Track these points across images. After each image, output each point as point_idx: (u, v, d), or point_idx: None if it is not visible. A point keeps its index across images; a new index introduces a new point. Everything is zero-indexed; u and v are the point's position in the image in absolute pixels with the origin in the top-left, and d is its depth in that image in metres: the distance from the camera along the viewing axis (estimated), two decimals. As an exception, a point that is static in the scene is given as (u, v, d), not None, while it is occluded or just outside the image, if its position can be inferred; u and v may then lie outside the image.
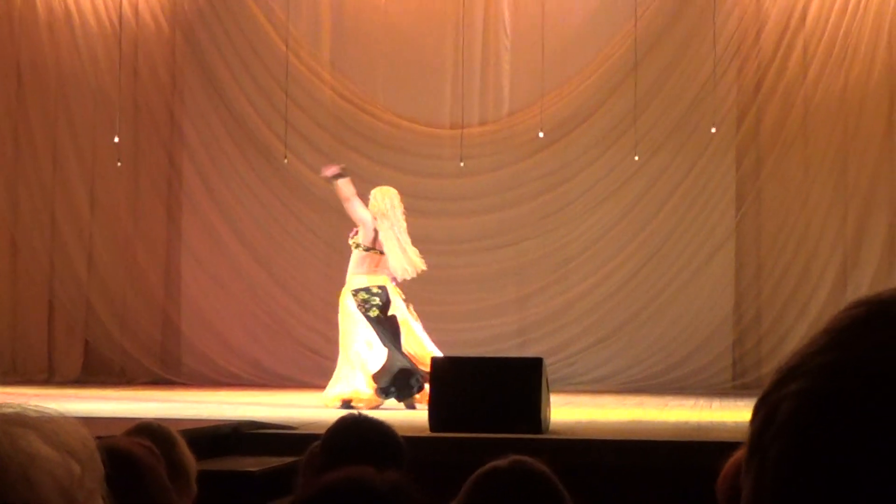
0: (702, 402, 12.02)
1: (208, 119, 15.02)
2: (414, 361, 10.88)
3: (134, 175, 15.03)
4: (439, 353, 10.69)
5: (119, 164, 14.46)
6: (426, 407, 8.75)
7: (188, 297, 15.00)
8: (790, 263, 14.12)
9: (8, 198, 15.06)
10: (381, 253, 11.26)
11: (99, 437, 1.21)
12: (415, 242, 14.62)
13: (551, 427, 8.47)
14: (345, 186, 11.40)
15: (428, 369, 10.35)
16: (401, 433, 3.81)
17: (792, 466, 0.87)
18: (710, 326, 14.20)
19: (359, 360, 10.89)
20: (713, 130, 13.85)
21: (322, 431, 3.81)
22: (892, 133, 14.01)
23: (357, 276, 11.28)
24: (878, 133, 13.98)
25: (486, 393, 8.36)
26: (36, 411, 1.12)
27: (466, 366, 9.12)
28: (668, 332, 14.25)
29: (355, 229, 11.38)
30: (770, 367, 13.58)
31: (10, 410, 1.11)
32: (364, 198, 11.40)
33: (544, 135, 14.06)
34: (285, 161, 14.46)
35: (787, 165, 14.14)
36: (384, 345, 10.92)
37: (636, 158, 14.06)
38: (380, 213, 11.23)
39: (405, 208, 14.29)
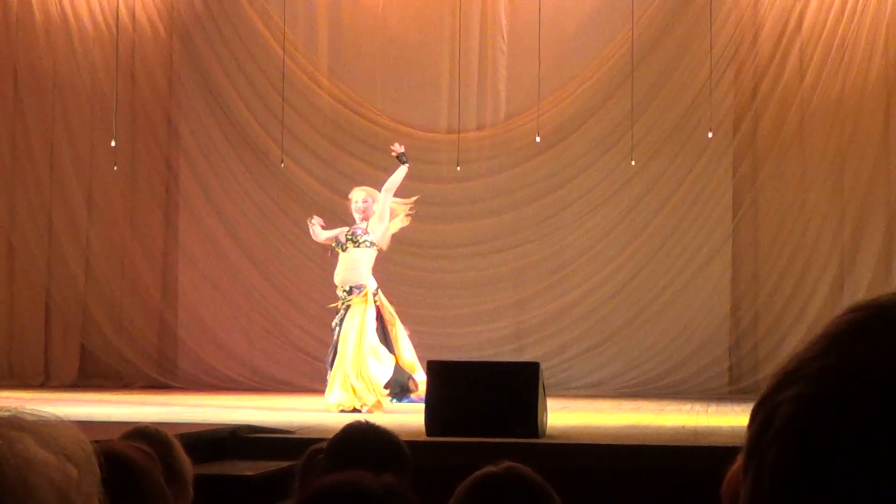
0: (698, 406, 12.02)
1: (205, 123, 15.02)
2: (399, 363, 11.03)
3: (131, 179, 15.03)
4: (411, 353, 10.81)
5: (116, 168, 14.45)
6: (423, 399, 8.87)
7: (185, 300, 15.00)
8: (787, 268, 14.13)
9: (5, 202, 15.05)
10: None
11: (95, 441, 1.21)
12: (411, 246, 14.66)
13: (548, 431, 8.47)
14: (401, 174, 11.44)
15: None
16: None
17: (790, 470, 0.87)
18: (707, 331, 14.20)
19: (367, 372, 10.91)
20: (710, 135, 13.86)
21: (319, 436, 3.82)
22: (889, 137, 14.02)
23: (371, 277, 11.33)
24: (874, 137, 13.99)
25: (483, 397, 8.36)
26: (32, 415, 1.12)
27: (463, 370, 9.12)
28: (664, 337, 14.25)
29: (358, 228, 11.33)
30: (767, 372, 13.59)
31: (7, 414, 1.11)
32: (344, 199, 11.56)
33: (541, 139, 14.06)
34: (282, 165, 14.46)
35: (783, 170, 14.15)
36: (389, 352, 11.00)
37: (633, 163, 14.06)
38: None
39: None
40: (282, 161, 14.41)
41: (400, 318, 11.66)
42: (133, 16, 14.88)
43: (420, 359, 11.33)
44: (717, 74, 14.16)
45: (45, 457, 1.07)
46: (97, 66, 14.95)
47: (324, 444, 4.42)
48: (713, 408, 11.75)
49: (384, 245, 11.44)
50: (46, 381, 14.76)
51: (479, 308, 14.59)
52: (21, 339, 15.05)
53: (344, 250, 11.28)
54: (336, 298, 11.32)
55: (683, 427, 9.53)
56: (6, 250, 15.13)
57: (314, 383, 12.12)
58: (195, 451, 4.07)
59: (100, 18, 14.97)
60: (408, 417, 9.51)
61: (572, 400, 12.53)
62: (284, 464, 6.68)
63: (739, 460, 3.14)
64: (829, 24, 14.07)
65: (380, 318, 11.21)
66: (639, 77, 14.13)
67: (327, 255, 11.59)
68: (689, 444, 7.92)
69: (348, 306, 11.15)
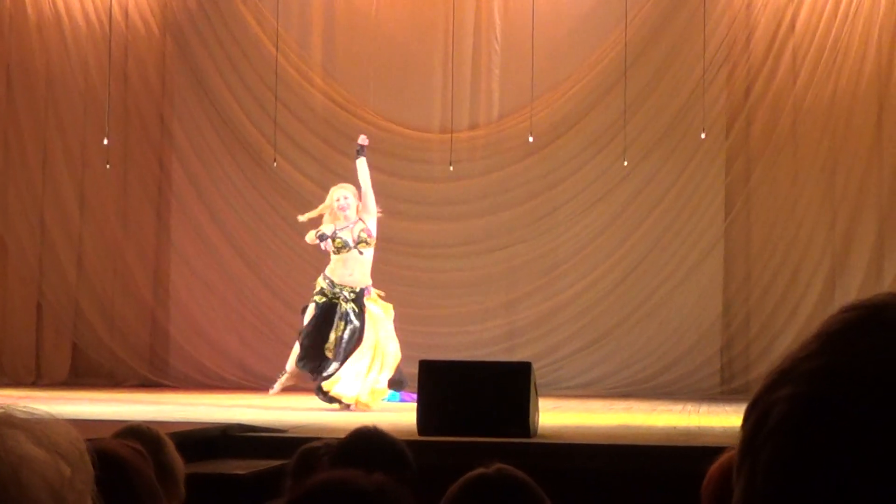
0: (690, 406, 12.02)
1: (198, 122, 15.01)
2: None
3: (123, 178, 15.02)
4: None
5: (108, 166, 14.44)
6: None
7: (177, 299, 14.99)
8: (779, 268, 14.15)
9: (-3, 200, 15.04)
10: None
11: (87, 440, 1.21)
12: (404, 246, 14.67)
13: (539, 431, 8.47)
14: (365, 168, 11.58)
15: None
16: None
17: (783, 470, 0.87)
18: (699, 331, 14.22)
19: (389, 359, 11.14)
20: (703, 136, 13.87)
21: (311, 435, 3.83)
22: (881, 139, 14.04)
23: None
24: (866, 139, 14.01)
25: (475, 397, 8.36)
26: (25, 412, 1.12)
27: (455, 369, 9.12)
28: (656, 337, 14.26)
29: (365, 228, 11.38)
30: (758, 373, 13.61)
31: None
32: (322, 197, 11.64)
33: (534, 139, 14.06)
34: (274, 164, 14.46)
35: (776, 171, 14.17)
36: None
37: (625, 163, 14.07)
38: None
39: (395, 212, 14.32)
40: (274, 160, 14.41)
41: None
42: (126, 14, 14.87)
43: (412, 358, 11.35)
44: (710, 75, 14.17)
45: (38, 454, 1.06)
46: (90, 65, 14.93)
47: (316, 444, 4.42)
48: (705, 408, 11.76)
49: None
50: (38, 379, 14.74)
51: (470, 308, 14.59)
52: (13, 338, 15.03)
53: (361, 253, 11.39)
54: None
55: (675, 427, 9.54)
56: (-2, 248, 15.12)
57: (305, 382, 12.10)
58: (187, 449, 4.07)
59: (93, 17, 14.95)
60: (399, 416, 9.51)
61: (564, 400, 12.54)
62: (276, 463, 6.67)
63: (718, 460, 3.15)
64: (821, 25, 14.08)
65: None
66: (632, 77, 14.13)
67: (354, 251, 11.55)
68: (680, 444, 7.92)
69: (352, 300, 11.27)
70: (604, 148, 14.48)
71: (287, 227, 14.68)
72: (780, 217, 14.14)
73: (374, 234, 11.44)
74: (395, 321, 11.54)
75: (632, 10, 14.11)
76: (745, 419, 0.92)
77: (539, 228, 14.65)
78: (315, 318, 11.33)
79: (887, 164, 14.01)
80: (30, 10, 14.97)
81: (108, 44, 14.60)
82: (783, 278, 14.11)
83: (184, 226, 15.00)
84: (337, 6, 14.88)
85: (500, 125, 14.69)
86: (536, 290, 14.60)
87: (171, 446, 3.54)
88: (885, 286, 13.56)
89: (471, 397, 8.35)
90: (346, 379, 11.12)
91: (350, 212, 11.39)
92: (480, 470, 2.69)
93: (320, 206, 11.61)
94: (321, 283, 11.49)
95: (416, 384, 9.00)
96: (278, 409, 10.79)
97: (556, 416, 9.95)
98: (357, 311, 11.29)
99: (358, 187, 11.60)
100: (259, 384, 14.26)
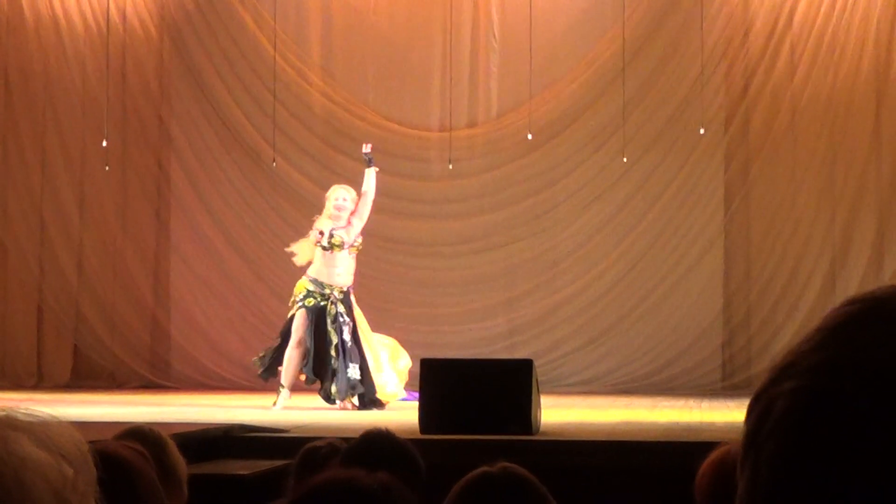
0: (692, 402, 12.02)
1: (197, 122, 15.00)
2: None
3: (122, 179, 15.01)
4: None
5: (107, 168, 14.44)
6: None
7: (177, 300, 14.99)
8: (779, 264, 14.15)
9: (-4, 202, 15.04)
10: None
11: (89, 442, 1.21)
12: (403, 244, 14.67)
13: (541, 428, 8.47)
14: (372, 178, 11.55)
15: None
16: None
17: (787, 464, 0.87)
18: (700, 327, 14.21)
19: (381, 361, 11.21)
20: (702, 132, 13.87)
21: (313, 434, 3.84)
22: (879, 132, 14.04)
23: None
24: (865, 133, 14.01)
25: (477, 395, 8.36)
26: (27, 414, 1.12)
27: (456, 368, 9.13)
28: (657, 333, 14.26)
29: (343, 229, 11.36)
30: (759, 368, 13.61)
31: (1, 414, 1.11)
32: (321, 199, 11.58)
33: (533, 137, 14.06)
34: (273, 164, 14.46)
35: (775, 166, 14.16)
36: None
37: (625, 160, 14.07)
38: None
39: (395, 211, 14.31)
40: (273, 160, 14.41)
41: (390, 315, 11.69)
42: (124, 16, 14.86)
43: (413, 357, 11.37)
44: (708, 72, 14.17)
45: (40, 456, 1.06)
46: (88, 67, 14.92)
47: (319, 443, 4.42)
48: (706, 403, 11.76)
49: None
50: (39, 382, 14.74)
51: (471, 306, 14.59)
52: (13, 340, 15.03)
53: (350, 254, 11.38)
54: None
55: (677, 423, 9.54)
56: (-2, 251, 15.12)
57: (309, 386, 12.10)
58: (189, 450, 4.07)
59: (90, 19, 14.94)
60: (402, 415, 9.51)
61: (566, 397, 12.53)
62: (279, 463, 6.68)
63: (710, 456, 3.14)
64: (819, 20, 14.08)
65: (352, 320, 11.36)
66: (630, 74, 14.13)
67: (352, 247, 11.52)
68: (682, 439, 7.92)
69: (337, 301, 11.22)
70: (603, 145, 14.48)
71: (286, 227, 14.67)
72: (779, 212, 14.14)
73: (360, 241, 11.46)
74: (395, 319, 11.57)
75: (629, 7, 14.11)
76: (748, 414, 0.91)
77: (539, 226, 14.65)
78: (310, 322, 11.23)
79: (886, 158, 14.01)
80: (27, 12, 14.97)
81: (106, 46, 14.59)
82: (783, 273, 14.11)
83: (183, 227, 15.00)
84: (334, 5, 14.87)
85: (499, 123, 14.69)
86: (537, 287, 14.59)
87: (173, 447, 3.54)
88: (885, 280, 13.55)
89: (473, 395, 8.36)
90: (388, 376, 11.19)
91: (345, 213, 11.38)
92: (484, 468, 2.69)
93: (311, 235, 11.54)
94: (306, 285, 11.35)
95: (417, 383, 9.00)
96: (280, 409, 10.79)
97: (557, 412, 9.94)
98: (346, 310, 11.25)
99: (359, 192, 11.57)
100: (260, 384, 14.25)
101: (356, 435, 3.95)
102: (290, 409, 10.88)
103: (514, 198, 14.68)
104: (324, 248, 11.30)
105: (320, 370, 11.14)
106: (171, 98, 15.07)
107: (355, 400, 10.99)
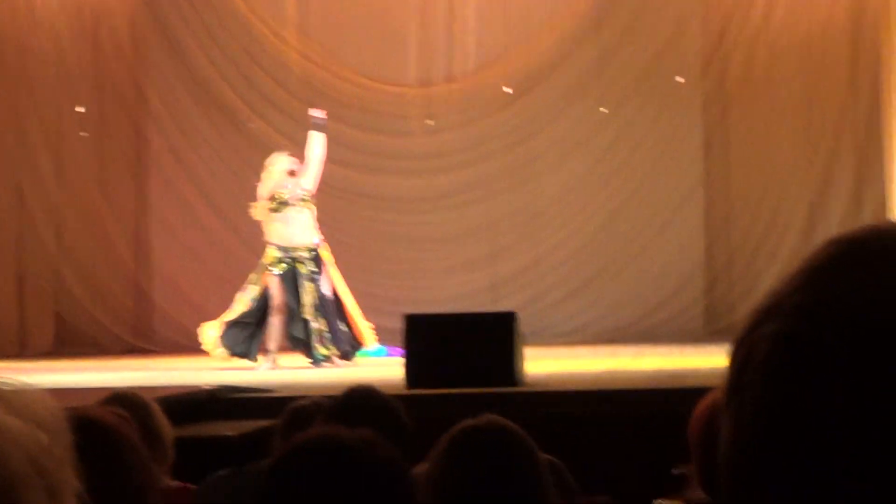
0: (675, 349, 12.07)
1: (173, 86, 14.91)
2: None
3: (100, 144, 14.92)
4: None
5: (84, 134, 14.35)
6: None
7: (159, 265, 14.94)
8: (759, 208, 14.18)
9: (-28, 171, 14.93)
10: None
11: (72, 408, 1.20)
12: (384, 201, 14.64)
13: (527, 380, 8.50)
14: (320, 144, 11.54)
15: None
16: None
17: (769, 407, 0.86)
18: (682, 274, 14.25)
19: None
20: (679, 80, 13.84)
21: (299, 393, 3.83)
22: (856, 76, 14.04)
23: None
24: (841, 77, 14.01)
25: (461, 348, 8.39)
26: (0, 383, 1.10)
27: (440, 322, 9.15)
28: (640, 282, 14.29)
29: (298, 186, 11.36)
30: (742, 313, 13.63)
31: (-25, 383, 1.09)
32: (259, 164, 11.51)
33: (511, 90, 14.02)
34: (252, 126, 14.39)
35: (753, 112, 14.16)
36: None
37: (603, 110, 14.05)
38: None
39: (375, 167, 14.25)
40: (252, 121, 14.33)
41: (373, 272, 11.65)
42: (94, -21, 14.72)
43: (395, 313, 11.35)
44: (685, 19, 14.12)
45: (14, 424, 1.05)
46: (60, 31, 14.79)
47: (304, 402, 4.42)
48: (690, 349, 11.81)
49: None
50: (22, 350, 14.69)
51: (453, 261, 14.59)
52: (-5, 309, 14.97)
53: (301, 209, 11.28)
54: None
55: (661, 370, 9.58)
56: (-24, 220, 15.03)
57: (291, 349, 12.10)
58: (175, 412, 4.07)
59: (61, -17, 14.80)
60: (387, 370, 9.53)
61: (550, 348, 12.55)
62: (265, 423, 6.68)
63: (704, 400, 3.15)
64: (794, -38, 14.04)
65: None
66: (607, 23, 14.09)
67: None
68: (667, 386, 7.96)
69: (312, 261, 11.20)
70: (581, 96, 14.45)
71: (266, 188, 14.62)
72: (758, 157, 14.15)
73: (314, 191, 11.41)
74: (378, 276, 11.57)
75: (604, -45, 14.04)
76: (731, 357, 0.91)
77: (519, 179, 14.64)
78: (285, 288, 11.19)
79: (863, 100, 14.01)
80: (-4, -22, 14.82)
81: (79, 9, 14.45)
82: (764, 217, 14.15)
83: (163, 190, 14.94)
84: (307, -38, 14.76)
85: (477, 77, 14.64)
86: (518, 240, 14.60)
87: (157, 410, 3.54)
88: (865, 220, 13.57)
89: (457, 350, 8.38)
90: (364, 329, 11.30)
91: (290, 180, 11.32)
92: (470, 421, 2.69)
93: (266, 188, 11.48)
94: (273, 254, 11.29)
95: (401, 338, 9.01)
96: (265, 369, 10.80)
97: (542, 364, 9.97)
98: (317, 268, 11.22)
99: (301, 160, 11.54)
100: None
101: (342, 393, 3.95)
102: (274, 369, 10.89)
103: (493, 151, 14.65)
104: (272, 211, 11.24)
105: (302, 330, 11.16)
106: (146, 61, 14.97)
107: (339, 358, 11.01)
